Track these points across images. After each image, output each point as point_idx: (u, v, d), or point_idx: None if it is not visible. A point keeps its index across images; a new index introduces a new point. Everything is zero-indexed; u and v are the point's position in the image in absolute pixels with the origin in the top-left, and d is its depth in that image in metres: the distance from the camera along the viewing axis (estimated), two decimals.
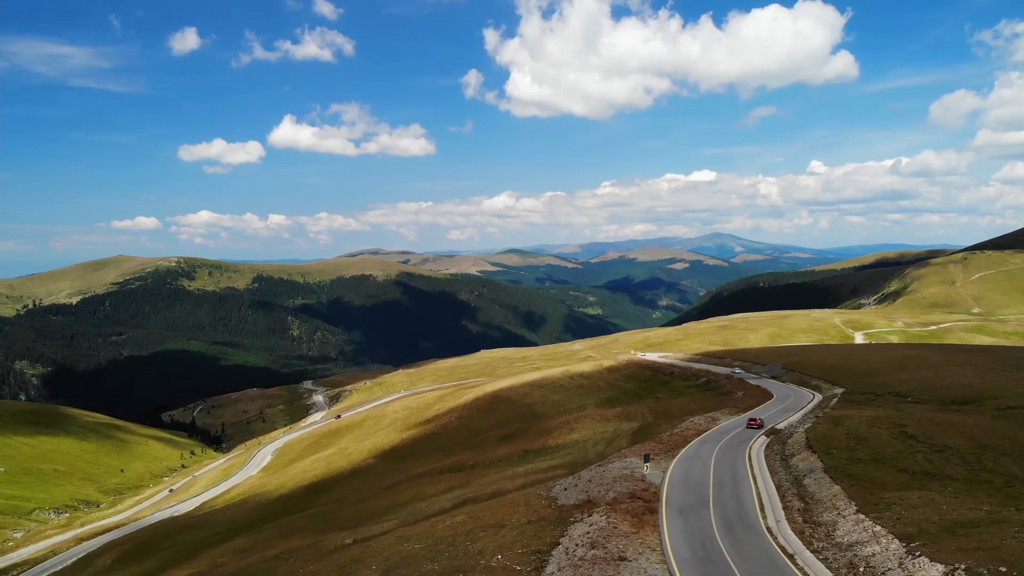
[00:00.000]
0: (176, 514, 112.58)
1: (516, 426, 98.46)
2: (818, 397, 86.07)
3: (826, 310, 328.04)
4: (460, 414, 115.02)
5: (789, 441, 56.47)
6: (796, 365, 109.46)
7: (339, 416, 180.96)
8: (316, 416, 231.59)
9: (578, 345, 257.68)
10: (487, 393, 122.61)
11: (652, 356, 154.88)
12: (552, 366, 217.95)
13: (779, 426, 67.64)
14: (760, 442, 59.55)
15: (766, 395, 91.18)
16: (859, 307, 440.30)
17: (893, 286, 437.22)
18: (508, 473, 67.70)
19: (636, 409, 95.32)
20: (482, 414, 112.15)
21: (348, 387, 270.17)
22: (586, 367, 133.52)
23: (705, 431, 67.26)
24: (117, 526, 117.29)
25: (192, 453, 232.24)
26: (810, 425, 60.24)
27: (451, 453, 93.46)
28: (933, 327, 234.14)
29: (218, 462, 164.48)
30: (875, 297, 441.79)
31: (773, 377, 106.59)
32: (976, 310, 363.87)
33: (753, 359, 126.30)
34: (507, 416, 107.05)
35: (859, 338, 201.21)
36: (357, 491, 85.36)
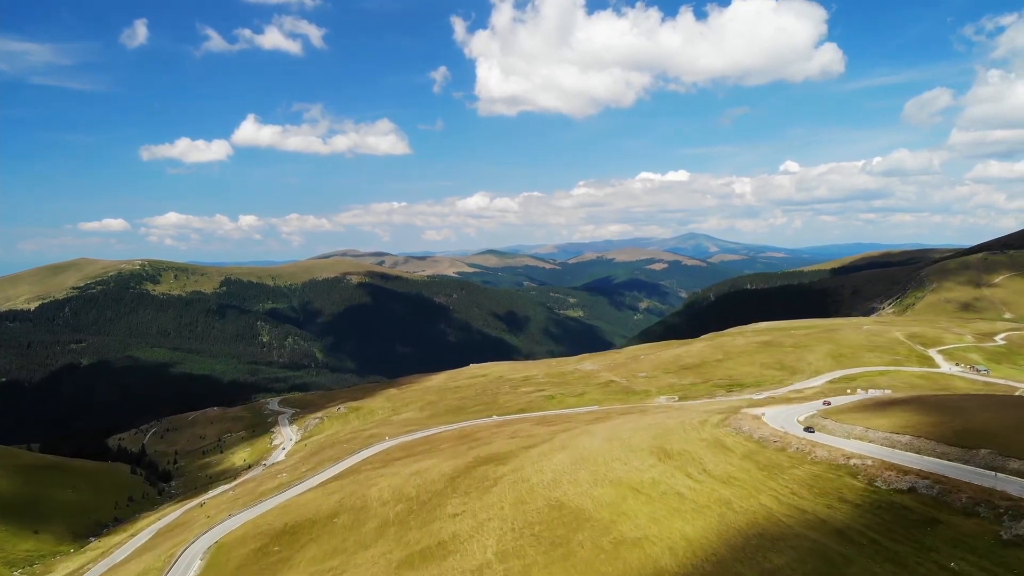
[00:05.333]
0: None
1: None
2: None
3: (873, 320, 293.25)
4: (499, 546, 61.04)
5: None
6: None
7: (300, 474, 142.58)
8: (279, 455, 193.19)
9: (589, 364, 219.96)
10: (540, 498, 69.72)
11: (782, 418, 79.38)
12: (566, 394, 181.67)
13: None
14: None
15: None
16: (872, 311, 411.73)
17: (911, 289, 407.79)
18: None
19: None
20: (543, 553, 57.03)
21: (319, 414, 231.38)
22: (700, 448, 72.03)
23: None
24: None
25: (129, 500, 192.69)
26: None
27: None
28: (999, 339, 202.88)
29: (140, 537, 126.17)
30: (890, 301, 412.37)
31: None
32: (1008, 315, 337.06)
33: (1004, 448, 53.88)
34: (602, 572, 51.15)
35: (939, 360, 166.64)
36: None
